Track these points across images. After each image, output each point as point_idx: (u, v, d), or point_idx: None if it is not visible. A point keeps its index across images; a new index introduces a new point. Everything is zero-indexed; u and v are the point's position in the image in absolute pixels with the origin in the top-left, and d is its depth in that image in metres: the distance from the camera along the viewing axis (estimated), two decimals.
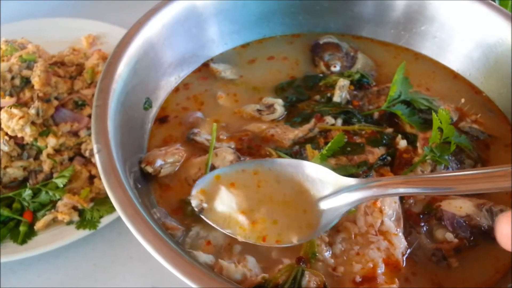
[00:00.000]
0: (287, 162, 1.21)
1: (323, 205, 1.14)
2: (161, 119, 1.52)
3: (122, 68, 1.36)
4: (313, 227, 1.13)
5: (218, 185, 1.19)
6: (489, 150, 1.46)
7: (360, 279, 1.16)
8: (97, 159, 1.14)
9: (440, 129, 1.31)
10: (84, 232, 1.48)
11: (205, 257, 1.16)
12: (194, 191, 1.19)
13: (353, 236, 1.22)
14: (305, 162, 1.20)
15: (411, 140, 1.43)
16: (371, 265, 1.17)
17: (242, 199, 1.16)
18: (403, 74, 1.48)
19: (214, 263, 1.16)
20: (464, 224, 1.26)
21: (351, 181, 1.12)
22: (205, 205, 1.18)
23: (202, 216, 1.17)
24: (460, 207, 1.28)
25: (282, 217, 1.14)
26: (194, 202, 1.18)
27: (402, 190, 1.07)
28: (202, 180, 1.21)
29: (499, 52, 1.57)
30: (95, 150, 1.15)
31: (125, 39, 1.41)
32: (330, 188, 1.14)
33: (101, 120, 1.21)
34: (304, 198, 1.16)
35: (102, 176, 1.10)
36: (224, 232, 1.15)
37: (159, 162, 1.33)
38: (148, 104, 1.48)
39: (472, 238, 1.24)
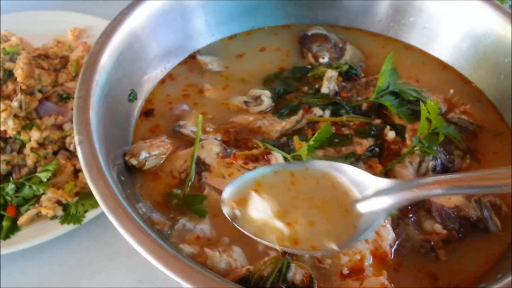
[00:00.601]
0: (325, 164, 1.17)
1: (361, 208, 1.10)
2: (147, 113, 1.49)
3: (106, 59, 1.33)
4: (352, 232, 1.08)
5: (250, 190, 1.12)
6: (477, 140, 1.45)
7: (347, 271, 1.14)
8: (78, 150, 1.11)
9: (429, 120, 1.29)
10: (68, 227, 1.45)
11: (190, 248, 1.14)
12: (224, 198, 1.12)
13: None
14: (342, 164, 1.16)
15: (400, 131, 1.41)
16: (359, 257, 1.15)
17: (277, 204, 1.10)
18: (391, 65, 1.46)
19: (199, 252, 1.14)
20: (452, 215, 1.24)
21: (391, 182, 1.09)
22: (237, 212, 1.11)
23: (236, 225, 1.10)
24: (449, 198, 1.27)
25: (321, 221, 1.09)
26: (225, 210, 1.12)
27: (440, 191, 1.03)
28: (232, 185, 1.15)
29: (488, 43, 1.56)
30: (76, 142, 1.12)
31: (109, 29, 1.38)
32: (368, 190, 1.11)
33: (83, 112, 1.19)
34: (342, 201, 1.11)
35: (83, 168, 1.08)
36: (262, 242, 1.08)
37: (143, 155, 1.31)
38: (133, 96, 1.45)
39: (461, 230, 1.23)
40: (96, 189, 1.04)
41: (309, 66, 1.65)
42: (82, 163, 1.09)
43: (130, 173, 1.31)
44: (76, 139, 1.13)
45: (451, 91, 1.55)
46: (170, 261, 0.95)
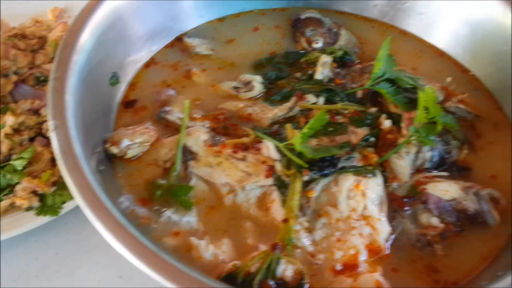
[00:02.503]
0: None
1: None
2: (128, 104, 1.39)
3: (85, 39, 1.25)
4: None
5: None
6: (475, 130, 1.40)
7: (340, 267, 1.08)
8: (53, 137, 1.03)
9: (426, 109, 1.23)
10: (44, 219, 1.36)
11: (173, 240, 1.10)
12: None
13: (334, 221, 1.15)
14: None
15: (396, 120, 1.35)
16: (353, 252, 1.10)
17: None
18: (388, 51, 1.39)
19: (183, 242, 1.09)
20: (450, 208, 1.19)
21: None
22: None
23: None
24: (446, 191, 1.21)
25: None
26: None
27: None
28: None
29: (487, 30, 1.50)
30: (51, 127, 1.04)
31: (89, 7, 1.29)
32: None
33: (59, 95, 1.10)
34: None
35: (58, 157, 1.00)
36: None
37: (125, 142, 1.23)
38: (115, 79, 1.36)
39: (458, 223, 1.18)
40: (71, 180, 0.97)
41: (302, 51, 1.57)
42: (56, 151, 1.01)
43: (110, 162, 1.23)
44: (50, 124, 1.04)
45: (448, 79, 1.50)
46: (151, 259, 0.88)
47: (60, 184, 1.43)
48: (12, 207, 1.39)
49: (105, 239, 0.94)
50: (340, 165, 1.21)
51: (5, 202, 1.38)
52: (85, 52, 1.23)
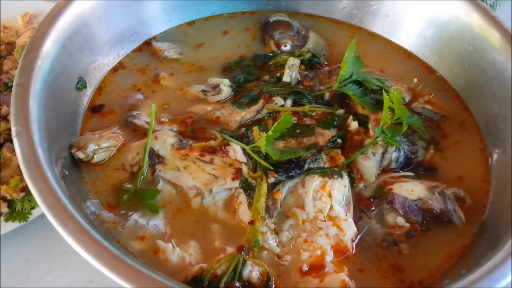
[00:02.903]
0: None
1: None
2: (95, 108, 1.38)
3: (50, 45, 1.24)
4: None
5: None
6: (441, 130, 1.42)
7: (307, 268, 1.09)
8: (15, 143, 1.03)
9: (392, 110, 1.25)
10: (13, 225, 1.35)
11: (139, 244, 1.10)
12: None
13: (301, 222, 1.16)
14: None
15: (363, 121, 1.37)
16: (319, 253, 1.11)
17: None
18: (354, 53, 1.41)
19: (150, 246, 1.10)
20: (415, 207, 1.21)
21: None
22: None
23: None
24: (411, 190, 1.23)
25: None
26: None
27: None
28: None
29: (452, 31, 1.53)
30: (13, 133, 1.03)
31: (53, 13, 1.29)
32: None
33: (22, 100, 1.10)
34: None
35: (20, 162, 1.00)
36: None
37: (92, 147, 1.23)
38: (81, 84, 1.36)
39: (424, 223, 1.20)
40: (33, 185, 0.96)
41: (271, 54, 1.59)
42: (19, 156, 1.01)
43: (77, 167, 1.22)
44: (13, 130, 1.04)
45: (415, 80, 1.52)
46: (113, 263, 0.88)
47: (28, 190, 1.42)
48: None
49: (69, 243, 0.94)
50: (306, 166, 1.22)
51: None
52: (49, 58, 1.22)
